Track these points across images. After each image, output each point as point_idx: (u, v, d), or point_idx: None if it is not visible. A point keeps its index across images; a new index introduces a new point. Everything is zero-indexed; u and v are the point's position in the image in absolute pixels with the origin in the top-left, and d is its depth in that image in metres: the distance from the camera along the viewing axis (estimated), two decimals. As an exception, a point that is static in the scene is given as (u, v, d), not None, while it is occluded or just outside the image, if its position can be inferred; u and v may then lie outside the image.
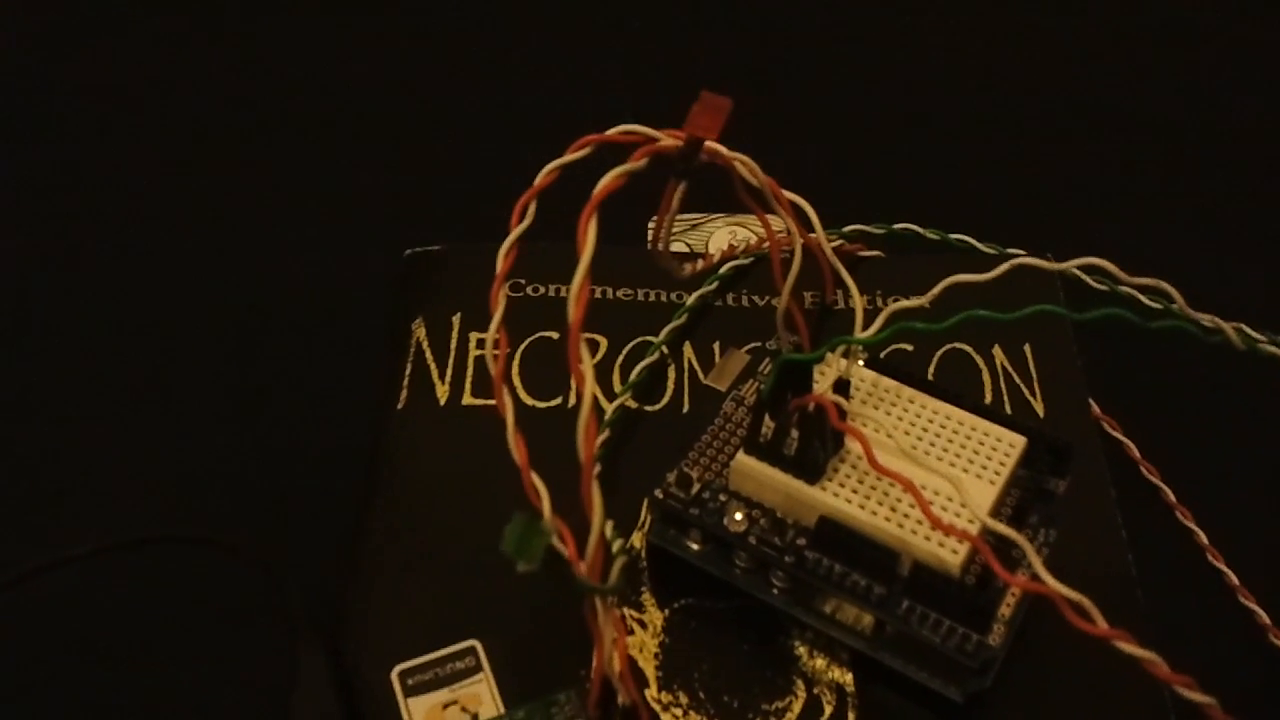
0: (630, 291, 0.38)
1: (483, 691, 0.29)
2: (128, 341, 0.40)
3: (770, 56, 0.52)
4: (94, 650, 0.32)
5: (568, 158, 0.27)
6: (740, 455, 0.30)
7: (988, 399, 0.35)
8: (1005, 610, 0.28)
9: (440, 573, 0.32)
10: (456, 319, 0.37)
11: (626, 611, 0.31)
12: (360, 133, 0.48)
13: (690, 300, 0.38)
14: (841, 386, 0.30)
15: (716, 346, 0.37)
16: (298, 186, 0.45)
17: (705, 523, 0.30)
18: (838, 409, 0.28)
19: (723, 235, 0.41)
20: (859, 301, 0.35)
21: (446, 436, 0.35)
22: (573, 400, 0.35)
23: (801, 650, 0.30)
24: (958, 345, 0.37)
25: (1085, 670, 0.29)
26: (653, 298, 0.38)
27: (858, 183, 0.46)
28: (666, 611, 0.31)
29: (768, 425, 0.30)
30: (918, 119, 0.49)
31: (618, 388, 0.36)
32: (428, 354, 0.37)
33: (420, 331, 0.37)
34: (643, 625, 0.31)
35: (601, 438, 0.34)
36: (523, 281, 0.38)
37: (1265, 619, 0.33)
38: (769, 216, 0.30)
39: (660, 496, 0.30)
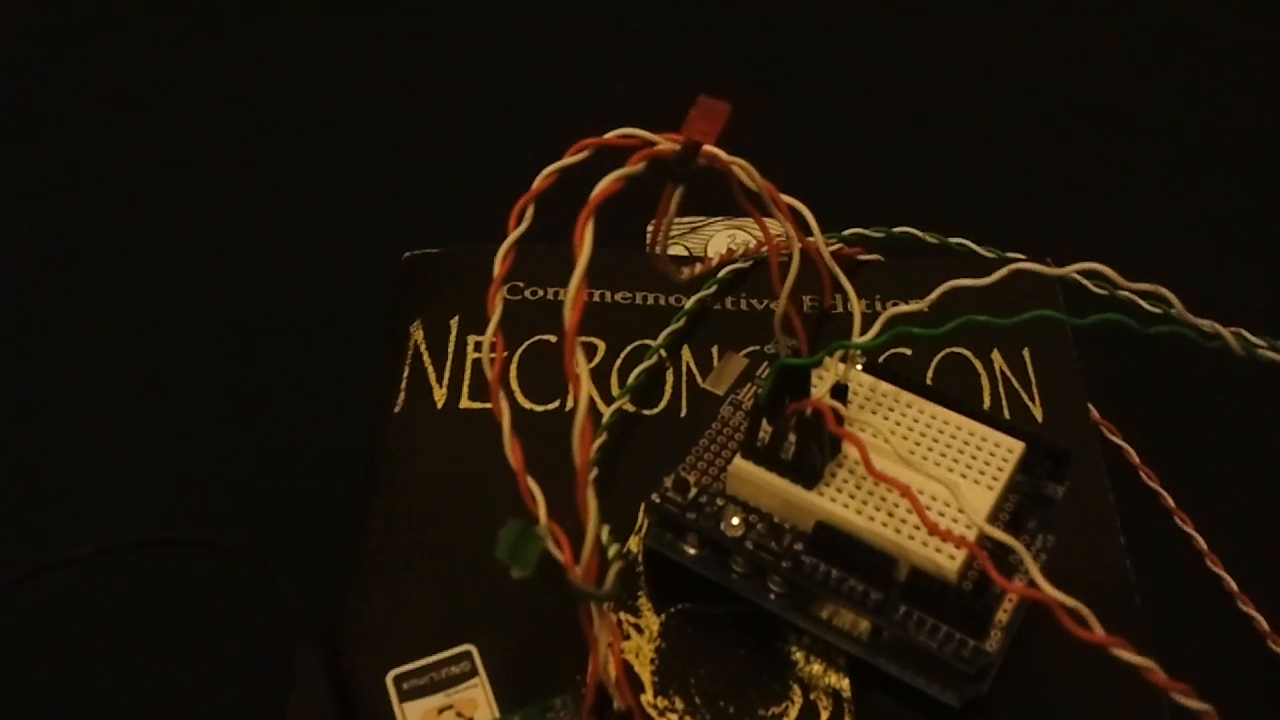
0: (629, 295, 0.38)
1: (478, 696, 0.29)
2: (128, 342, 0.40)
3: (770, 58, 0.52)
4: (91, 650, 0.32)
5: (566, 161, 0.27)
6: (737, 460, 0.30)
7: (986, 404, 0.35)
8: (1002, 616, 0.28)
9: (437, 576, 0.32)
10: (455, 322, 0.37)
11: (623, 616, 0.31)
12: (360, 133, 0.48)
13: (689, 304, 0.38)
14: (839, 391, 0.30)
15: (715, 350, 0.37)
16: (298, 186, 0.45)
17: (702, 527, 0.30)
18: (835, 414, 0.28)
19: (722, 239, 0.41)
20: (857, 306, 0.35)
21: (444, 439, 0.35)
22: (570, 404, 0.35)
23: (798, 655, 0.30)
24: (956, 350, 0.37)
25: (1082, 677, 0.29)
26: (651, 301, 0.38)
27: (857, 186, 0.46)
28: (663, 616, 0.31)
29: (765, 430, 0.29)
30: (917, 122, 0.49)
31: (615, 391, 0.36)
32: (425, 356, 0.37)
33: (418, 334, 0.37)
34: (639, 630, 0.31)
35: (599, 441, 0.34)
36: (521, 284, 0.38)
37: (1264, 625, 0.33)
38: (767, 221, 0.30)
39: (657, 501, 0.30)
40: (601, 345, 0.37)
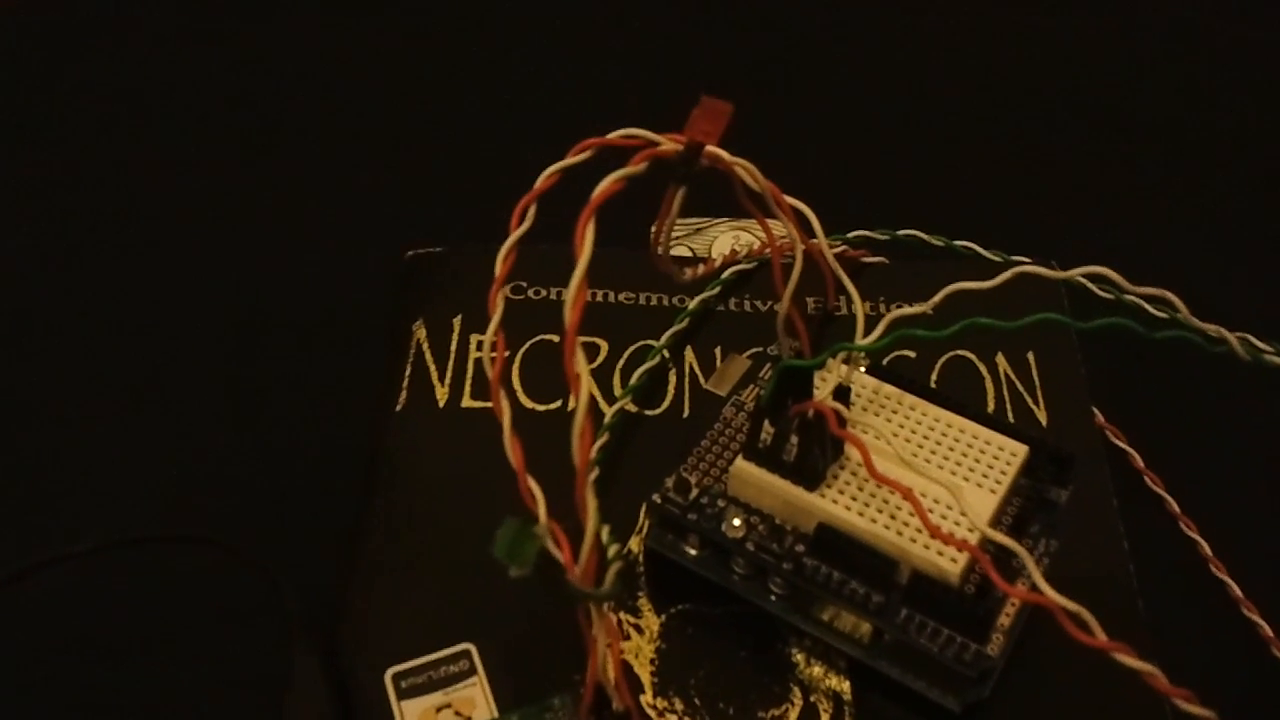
0: (632, 295, 0.38)
1: (476, 695, 0.29)
2: (128, 341, 0.40)
3: (773, 59, 0.52)
4: (90, 648, 0.32)
5: (568, 161, 0.27)
6: (739, 461, 0.30)
7: (990, 407, 0.35)
8: (1004, 620, 0.28)
9: (437, 575, 0.31)
10: (457, 321, 0.37)
11: (623, 616, 0.31)
12: (360, 133, 0.48)
13: (692, 304, 0.37)
14: (842, 393, 0.30)
15: (718, 351, 0.37)
16: (298, 186, 0.45)
17: (703, 528, 0.30)
18: (838, 416, 0.28)
19: (726, 240, 0.41)
20: (860, 308, 0.35)
21: (445, 439, 0.34)
22: (573, 404, 0.35)
23: (799, 657, 0.30)
24: (961, 353, 0.37)
25: (1084, 682, 0.29)
26: (655, 301, 0.38)
27: (863, 188, 0.45)
28: (663, 617, 0.31)
29: (767, 431, 0.29)
30: (921, 124, 0.49)
31: (618, 391, 0.35)
32: (428, 356, 0.36)
33: (421, 333, 0.37)
34: (639, 630, 0.31)
35: (601, 441, 0.34)
36: (524, 284, 0.38)
37: (1268, 631, 0.32)
38: (770, 222, 0.30)
39: (658, 501, 0.30)
40: (604, 345, 0.37)
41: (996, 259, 0.39)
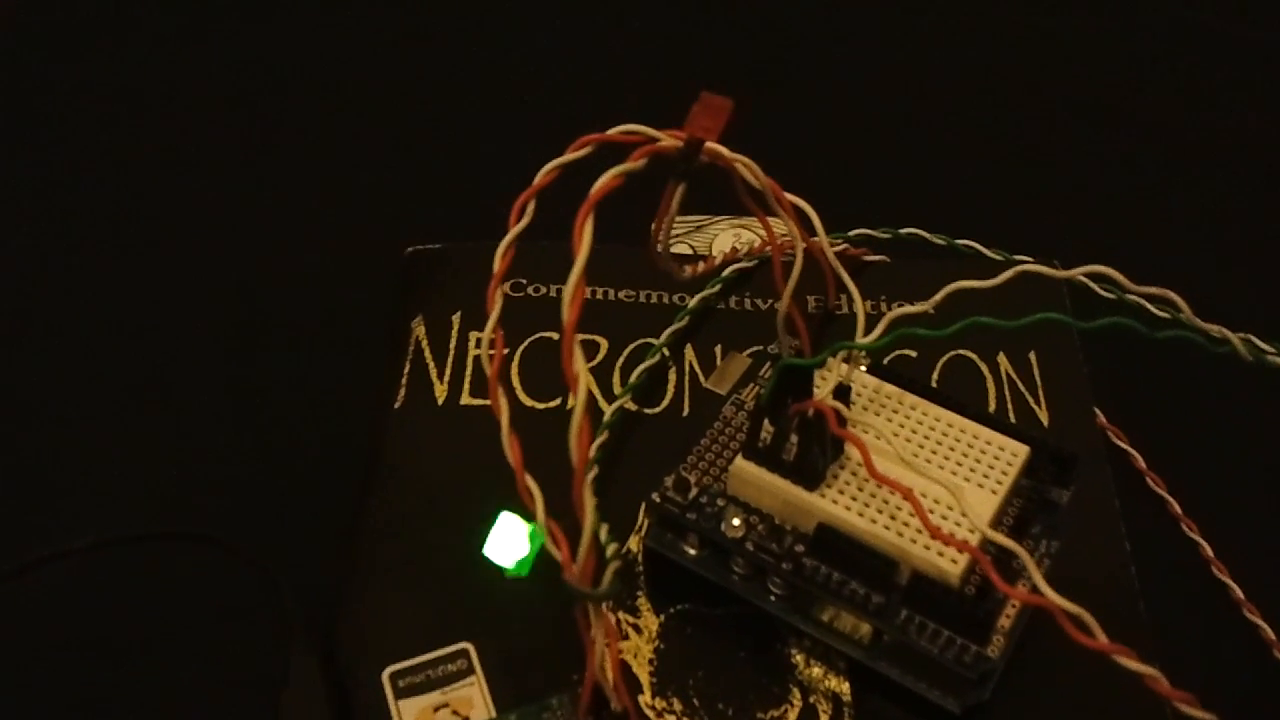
0: (632, 293, 0.38)
1: (474, 694, 0.29)
2: (127, 341, 0.40)
3: (774, 57, 0.52)
4: (88, 646, 0.32)
5: (567, 157, 0.27)
6: (739, 460, 0.30)
7: (992, 407, 0.35)
8: (1005, 621, 0.28)
9: (435, 574, 0.31)
10: (456, 318, 0.37)
11: (621, 616, 0.31)
12: (360, 132, 0.48)
13: (692, 302, 0.37)
14: (842, 392, 0.30)
15: (718, 350, 0.37)
16: (297, 186, 0.45)
17: (703, 527, 0.30)
18: (838, 415, 0.28)
19: (727, 237, 0.41)
20: (861, 306, 0.35)
21: (444, 436, 0.34)
22: (571, 402, 0.35)
23: (798, 658, 0.30)
24: (962, 352, 0.36)
25: (1085, 684, 0.29)
26: (655, 299, 0.38)
27: (865, 186, 0.45)
28: (662, 617, 0.31)
29: (767, 430, 0.29)
30: (922, 123, 0.49)
31: (617, 389, 0.35)
32: (427, 353, 0.36)
33: (420, 330, 0.37)
34: (638, 630, 0.30)
35: (600, 439, 0.33)
36: (524, 281, 0.38)
37: (1270, 634, 0.32)
38: (771, 219, 0.30)
39: (657, 500, 0.30)
40: (604, 343, 0.37)
41: (998, 258, 0.38)
